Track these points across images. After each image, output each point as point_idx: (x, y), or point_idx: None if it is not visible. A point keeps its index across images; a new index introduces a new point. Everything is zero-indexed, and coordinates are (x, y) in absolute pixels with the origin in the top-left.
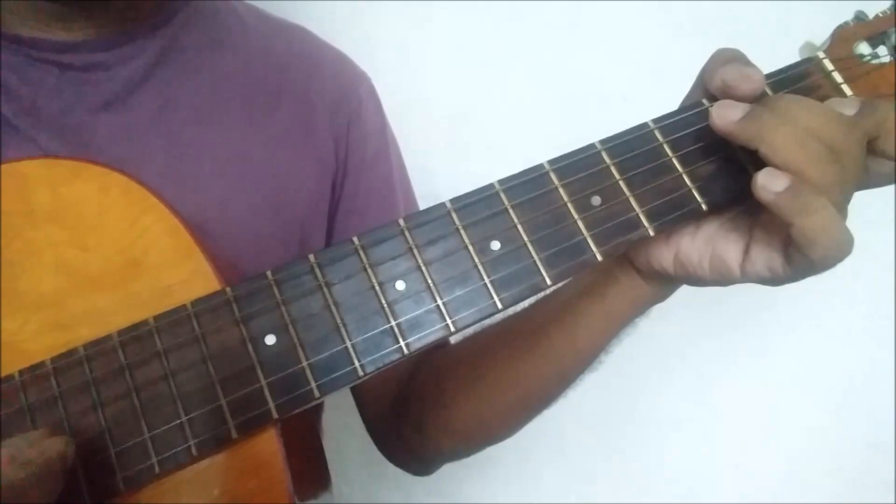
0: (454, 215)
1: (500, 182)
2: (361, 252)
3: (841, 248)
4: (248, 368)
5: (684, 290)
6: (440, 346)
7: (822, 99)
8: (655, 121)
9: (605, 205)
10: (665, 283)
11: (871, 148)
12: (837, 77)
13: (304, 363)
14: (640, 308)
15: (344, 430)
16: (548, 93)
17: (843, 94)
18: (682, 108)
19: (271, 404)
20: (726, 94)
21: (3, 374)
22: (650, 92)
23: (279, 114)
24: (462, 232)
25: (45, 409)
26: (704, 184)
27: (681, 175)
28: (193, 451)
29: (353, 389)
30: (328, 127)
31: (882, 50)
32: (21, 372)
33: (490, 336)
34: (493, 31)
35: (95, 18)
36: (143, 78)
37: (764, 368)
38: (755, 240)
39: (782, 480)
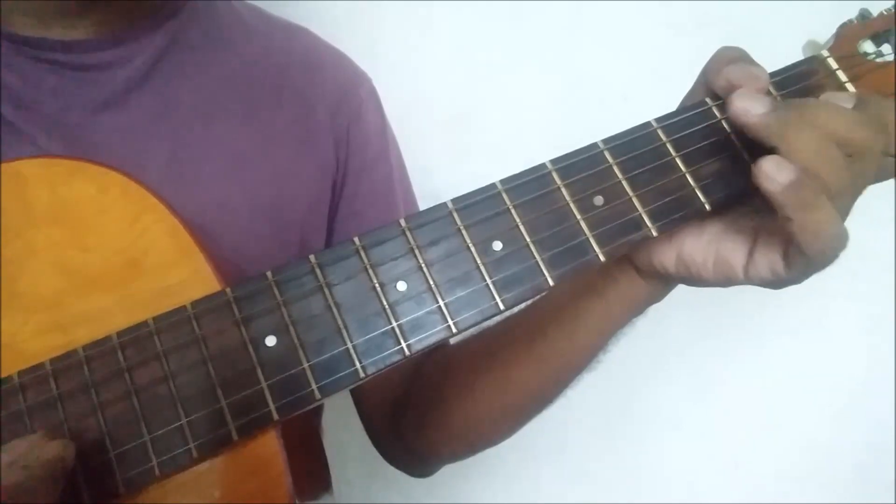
0: (455, 215)
1: (502, 182)
2: (362, 253)
3: (837, 244)
4: (248, 370)
5: (683, 290)
6: (440, 346)
7: None
8: (658, 120)
9: (607, 205)
10: (664, 282)
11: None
12: (841, 76)
13: (305, 364)
14: (639, 308)
15: (344, 431)
16: (548, 93)
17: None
18: (684, 108)
19: (272, 406)
20: (731, 93)
21: (2, 376)
22: (650, 92)
23: (279, 114)
24: (464, 232)
25: (44, 411)
26: (708, 183)
27: (684, 175)
28: (194, 453)
29: (352, 391)
30: (328, 127)
31: (886, 48)
32: (20, 373)
33: (489, 337)
34: (494, 32)
35: (96, 18)
36: (142, 78)
37: (763, 368)
38: (760, 242)
39: (782, 480)
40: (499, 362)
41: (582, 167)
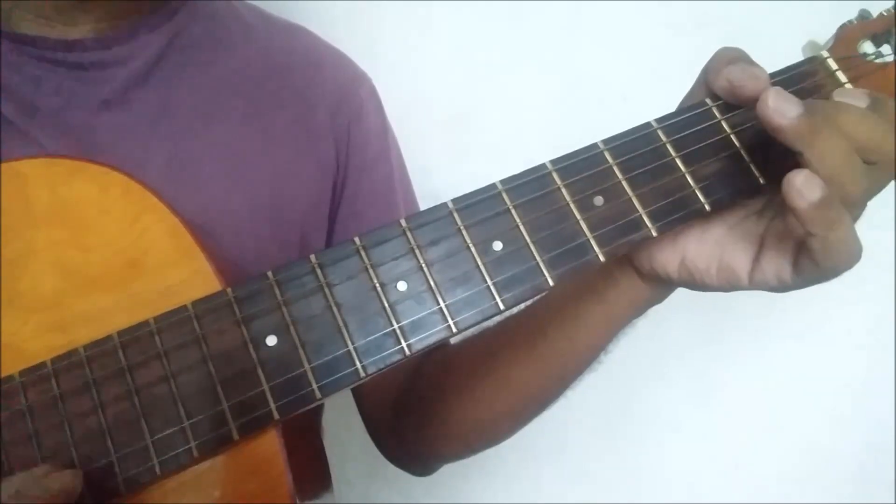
0: (456, 216)
1: (503, 182)
2: (363, 252)
3: (852, 260)
4: (249, 370)
5: (684, 291)
6: (441, 346)
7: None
8: (658, 120)
9: (607, 205)
10: (665, 286)
11: None
12: (841, 76)
13: (306, 364)
14: (639, 309)
15: (344, 431)
16: (548, 93)
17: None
18: (684, 108)
19: (272, 405)
20: (732, 93)
21: (3, 375)
22: (650, 92)
23: (280, 114)
24: (464, 232)
25: (45, 411)
26: (708, 184)
27: (684, 175)
28: (195, 452)
29: (353, 390)
30: (329, 127)
31: (886, 49)
32: (21, 373)
33: (489, 337)
34: (493, 32)
35: (97, 17)
36: (143, 77)
37: (764, 369)
38: (766, 248)
39: (782, 481)
40: (499, 362)
41: (582, 167)
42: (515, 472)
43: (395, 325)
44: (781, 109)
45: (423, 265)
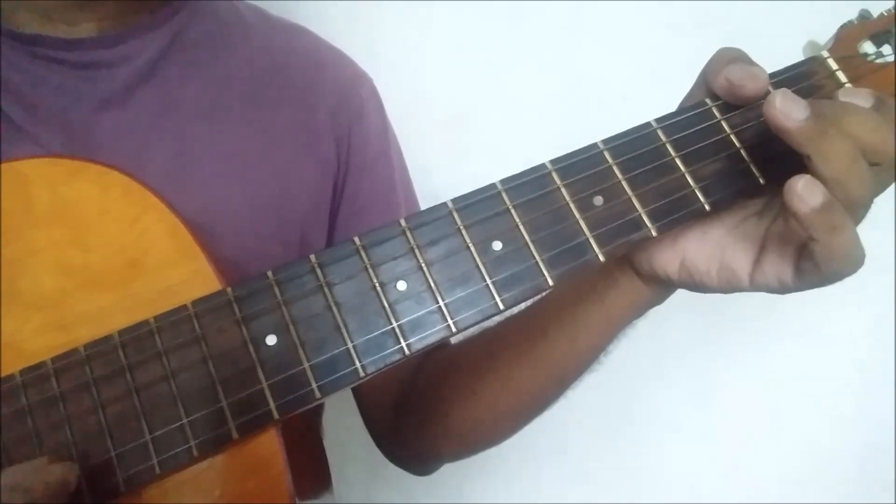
0: (455, 215)
1: (502, 182)
2: (362, 252)
3: (855, 265)
4: (248, 369)
5: (684, 293)
6: (441, 346)
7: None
8: (658, 120)
9: (607, 205)
10: (665, 287)
11: None
12: (841, 76)
13: (305, 364)
14: (639, 310)
15: (344, 431)
16: (548, 93)
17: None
18: (685, 108)
19: (272, 405)
20: (731, 93)
21: (4, 374)
22: (650, 92)
23: (280, 113)
24: (464, 232)
25: (45, 410)
26: (707, 184)
27: (683, 175)
28: (194, 451)
29: (354, 389)
30: (330, 127)
31: (886, 49)
32: (21, 372)
33: (490, 337)
34: (493, 32)
35: (99, 16)
36: (144, 76)
37: (764, 369)
38: (768, 250)
39: (782, 481)
40: (499, 363)
41: (582, 167)
42: (516, 471)
43: (395, 325)
44: (788, 112)
45: (423, 265)
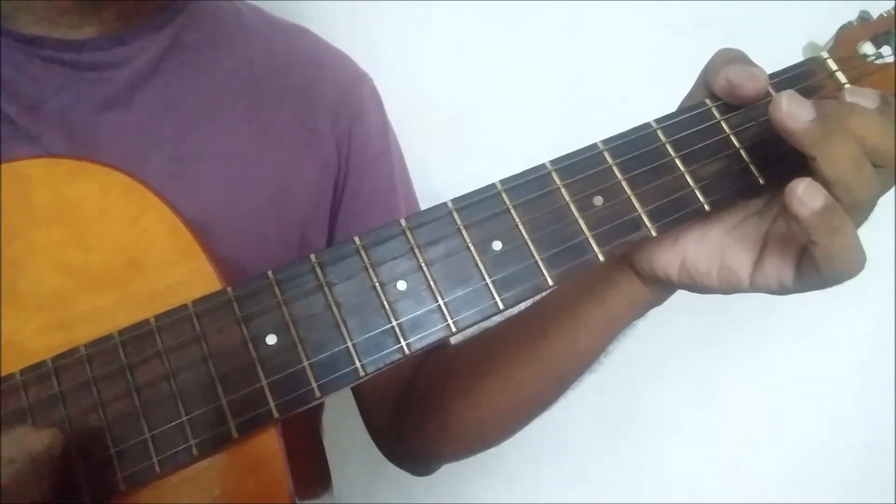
0: (455, 215)
1: (502, 182)
2: (362, 252)
3: (856, 269)
4: (248, 368)
5: (684, 293)
6: (442, 346)
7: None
8: (658, 121)
9: (606, 205)
10: (665, 287)
11: None
12: (841, 77)
13: (305, 363)
14: (639, 311)
15: (344, 430)
16: (548, 93)
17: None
18: (684, 109)
19: (272, 404)
20: (731, 93)
21: (4, 374)
22: (650, 92)
23: (281, 113)
24: (463, 232)
25: (45, 409)
26: (707, 184)
27: (683, 175)
28: (194, 450)
29: (354, 389)
30: (330, 127)
31: (886, 50)
32: (22, 371)
33: (490, 337)
34: (493, 32)
35: (101, 17)
36: (145, 77)
37: (764, 370)
38: (769, 252)
39: (783, 482)
40: (500, 363)
41: (581, 167)
42: (516, 472)
43: (395, 324)
44: (794, 113)
45: (423, 264)
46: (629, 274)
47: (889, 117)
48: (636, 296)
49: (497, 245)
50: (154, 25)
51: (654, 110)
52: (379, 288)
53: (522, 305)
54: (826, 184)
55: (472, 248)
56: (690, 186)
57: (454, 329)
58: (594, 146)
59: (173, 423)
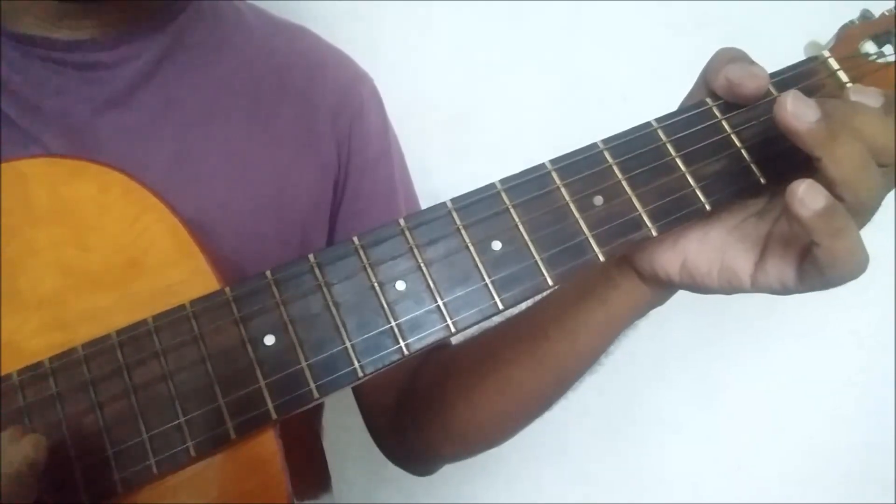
0: (455, 215)
1: (502, 182)
2: (361, 252)
3: (859, 270)
4: (247, 369)
5: (685, 294)
6: (442, 346)
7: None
8: (658, 120)
9: (607, 204)
10: (666, 288)
11: None
12: (843, 76)
13: (304, 363)
14: (640, 312)
15: (344, 431)
16: (548, 93)
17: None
18: (684, 108)
19: (270, 405)
20: (731, 92)
21: (2, 374)
22: (650, 92)
23: (281, 114)
24: (463, 232)
25: (43, 409)
26: (708, 183)
27: (684, 175)
28: (192, 451)
29: (354, 389)
30: (330, 127)
31: (888, 49)
32: (19, 371)
33: (491, 338)
34: (493, 32)
35: (100, 17)
36: (145, 77)
37: (765, 370)
38: (770, 252)
39: (784, 481)
40: (500, 363)
41: (581, 167)
42: (516, 472)
43: (394, 324)
44: (800, 113)
45: (422, 264)
46: (630, 274)
47: (893, 117)
48: (637, 296)
49: (497, 245)
50: (154, 25)
51: (654, 110)
52: (378, 288)
53: (523, 305)
54: (831, 184)
55: (471, 248)
56: (691, 186)
57: (454, 329)
58: (594, 145)
59: (171, 424)
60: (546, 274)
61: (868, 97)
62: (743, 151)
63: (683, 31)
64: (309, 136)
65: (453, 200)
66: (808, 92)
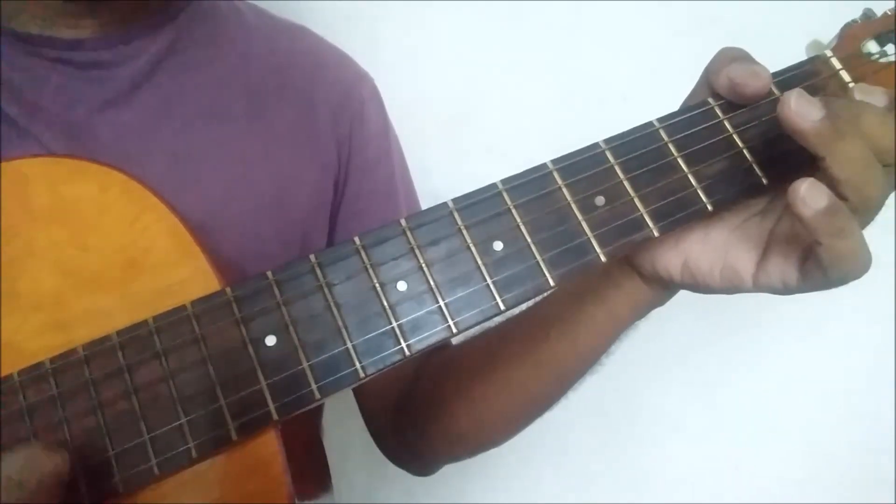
0: (456, 215)
1: (503, 182)
2: (363, 252)
3: (862, 269)
4: (248, 369)
5: (686, 294)
6: (443, 347)
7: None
8: (660, 120)
9: (609, 205)
10: (668, 288)
11: None
12: (845, 76)
13: (305, 364)
14: (641, 312)
15: (344, 431)
16: (548, 93)
17: (851, 93)
18: (686, 108)
19: (271, 406)
20: (733, 92)
21: (2, 375)
22: (650, 92)
23: (281, 113)
24: (464, 232)
25: (43, 410)
26: (710, 184)
27: (686, 175)
28: (193, 452)
29: (354, 390)
30: (330, 128)
31: (890, 48)
32: (20, 372)
33: (491, 338)
34: (493, 32)
35: (101, 17)
36: (146, 76)
37: (765, 369)
38: (772, 252)
39: (784, 481)
40: (501, 363)
41: (583, 167)
42: (516, 472)
43: (395, 325)
44: (804, 112)
45: (423, 265)
46: (631, 274)
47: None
48: (638, 296)
49: (498, 245)
50: (154, 25)
51: (655, 110)
52: (379, 289)
53: (524, 306)
54: (834, 183)
55: (472, 249)
56: (693, 186)
57: (455, 330)
58: (596, 145)
59: (172, 425)
60: (548, 275)
61: (873, 97)
62: (745, 152)
63: (684, 31)
64: (309, 135)
65: (455, 201)
66: (811, 91)
